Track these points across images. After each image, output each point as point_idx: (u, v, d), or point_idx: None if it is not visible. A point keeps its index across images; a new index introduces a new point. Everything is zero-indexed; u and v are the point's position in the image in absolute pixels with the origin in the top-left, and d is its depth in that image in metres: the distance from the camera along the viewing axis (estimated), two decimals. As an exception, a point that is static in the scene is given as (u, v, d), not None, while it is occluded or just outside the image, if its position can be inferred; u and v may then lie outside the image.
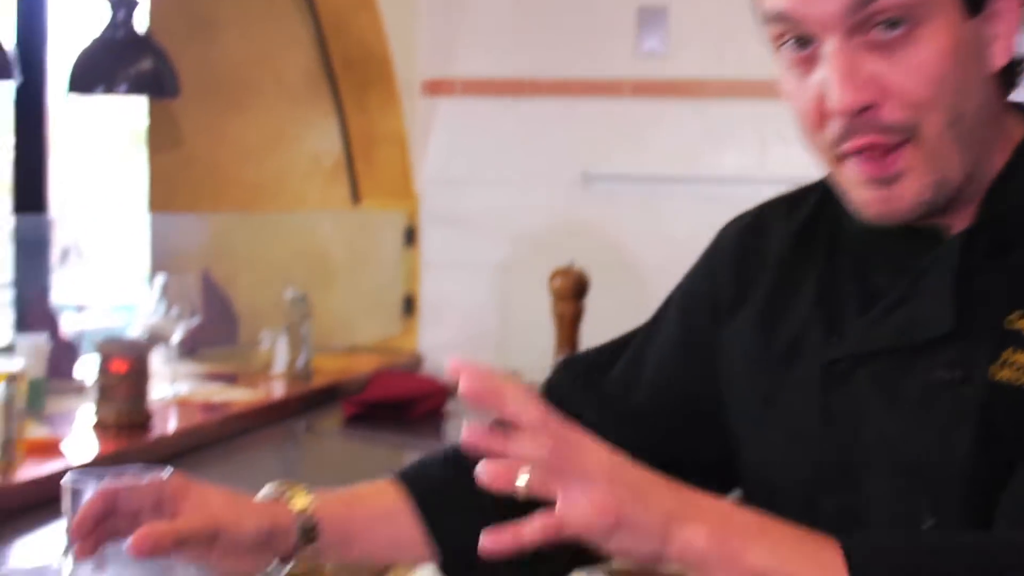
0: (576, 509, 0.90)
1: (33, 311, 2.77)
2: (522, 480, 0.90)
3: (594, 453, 0.92)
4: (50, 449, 2.02)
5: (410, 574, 1.99)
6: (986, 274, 1.05)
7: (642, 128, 3.44)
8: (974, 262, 1.05)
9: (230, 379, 2.85)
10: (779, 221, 1.21)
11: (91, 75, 2.70)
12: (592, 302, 2.93)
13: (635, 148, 3.44)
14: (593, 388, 1.26)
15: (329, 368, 3.05)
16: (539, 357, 2.87)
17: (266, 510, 1.12)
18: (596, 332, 1.67)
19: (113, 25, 2.69)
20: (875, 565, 0.92)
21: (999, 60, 1.05)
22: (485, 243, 3.54)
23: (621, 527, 0.90)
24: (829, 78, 1.01)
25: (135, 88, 2.71)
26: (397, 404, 2.75)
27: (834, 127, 1.03)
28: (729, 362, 1.19)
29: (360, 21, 3.45)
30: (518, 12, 3.49)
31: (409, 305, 3.65)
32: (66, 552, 1.04)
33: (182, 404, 2.53)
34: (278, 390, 2.80)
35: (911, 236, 1.08)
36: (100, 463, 2.02)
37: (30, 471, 1.91)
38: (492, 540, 0.90)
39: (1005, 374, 1.01)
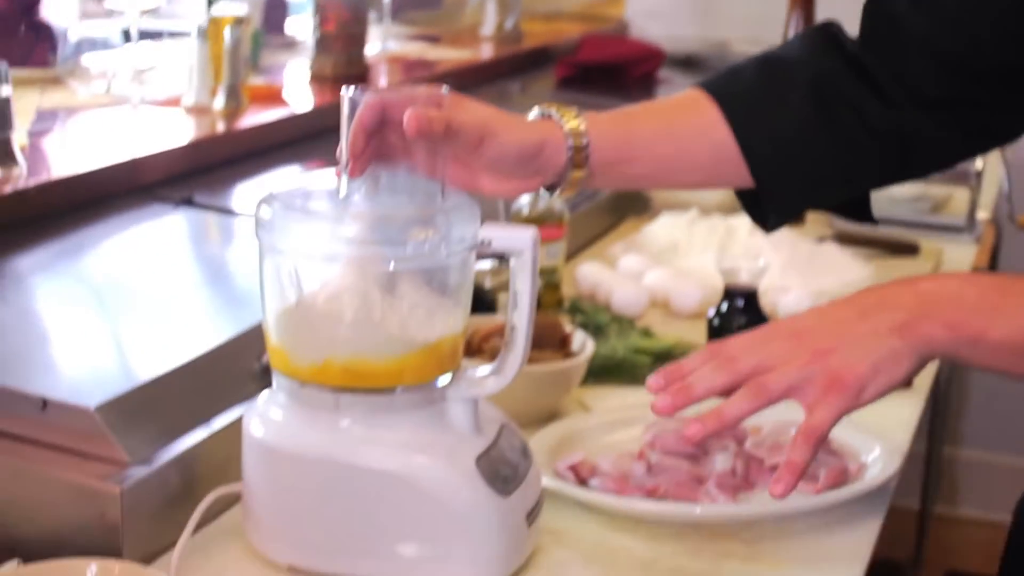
0: (820, 406, 0.89)
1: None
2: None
3: (789, 323, 0.93)
4: (272, 97, 2.00)
5: (645, 225, 1.93)
6: None
7: None
8: None
9: (434, 39, 2.77)
10: None
11: None
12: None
13: None
14: None
15: (536, 31, 2.96)
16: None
17: (536, 126, 1.07)
18: None
19: None
20: None
21: None
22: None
23: (878, 374, 0.88)
24: None
25: None
26: (611, 67, 2.67)
27: None
28: None
29: None
30: None
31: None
32: (342, 169, 0.99)
33: (393, 60, 2.48)
34: (487, 51, 2.73)
35: None
36: (320, 113, 1.99)
37: (254, 118, 1.88)
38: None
39: None
